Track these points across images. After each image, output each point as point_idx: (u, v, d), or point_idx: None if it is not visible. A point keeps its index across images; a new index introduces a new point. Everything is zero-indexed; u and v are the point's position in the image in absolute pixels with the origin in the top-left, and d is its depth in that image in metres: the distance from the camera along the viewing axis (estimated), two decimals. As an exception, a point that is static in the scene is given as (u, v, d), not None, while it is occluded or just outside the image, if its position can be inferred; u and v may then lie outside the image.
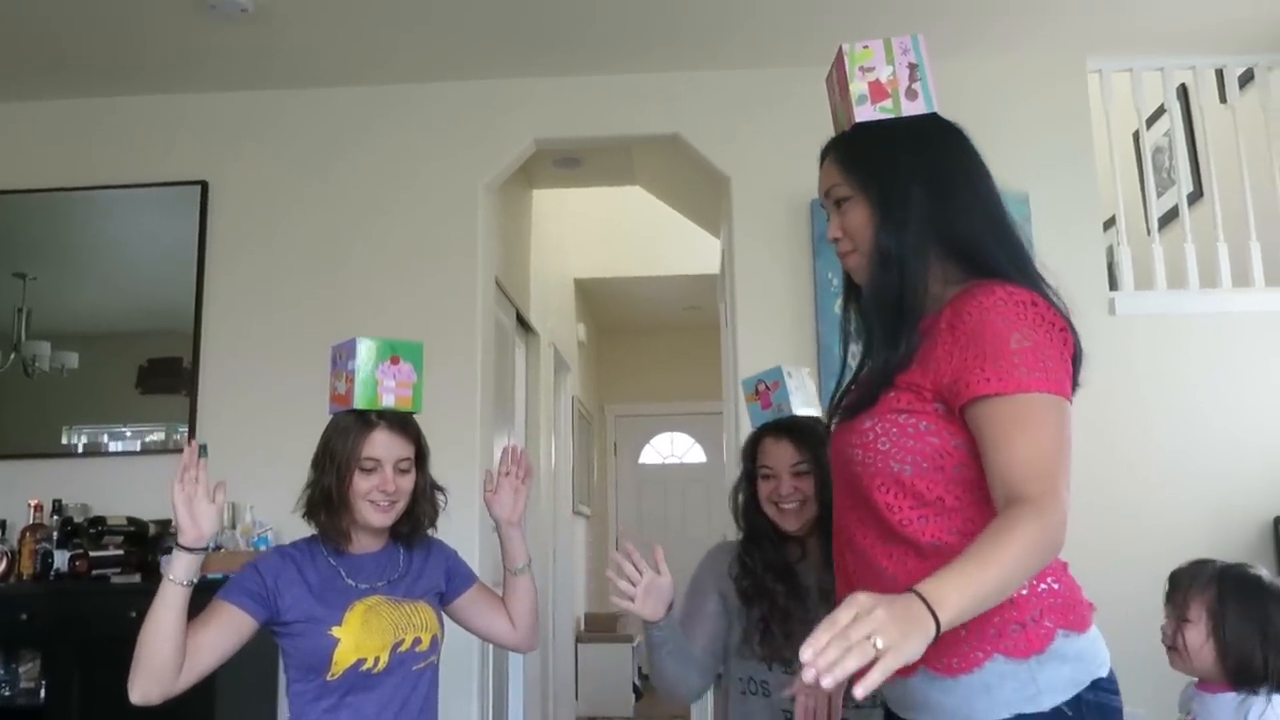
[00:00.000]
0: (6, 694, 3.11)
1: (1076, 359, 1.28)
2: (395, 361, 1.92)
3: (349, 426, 1.88)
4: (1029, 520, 1.11)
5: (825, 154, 1.43)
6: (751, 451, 2.02)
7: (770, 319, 3.56)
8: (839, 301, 3.38)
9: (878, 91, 1.37)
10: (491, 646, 3.60)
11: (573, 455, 6.34)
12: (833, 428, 1.42)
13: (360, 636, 1.82)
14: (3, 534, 3.35)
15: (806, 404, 2.04)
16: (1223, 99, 3.81)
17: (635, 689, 6.48)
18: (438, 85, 3.78)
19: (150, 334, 3.70)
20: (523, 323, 4.84)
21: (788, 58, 3.65)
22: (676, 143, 3.75)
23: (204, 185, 3.73)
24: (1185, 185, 3.91)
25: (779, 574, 1.93)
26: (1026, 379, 1.18)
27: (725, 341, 3.97)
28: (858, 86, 1.38)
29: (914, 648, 0.97)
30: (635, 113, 3.74)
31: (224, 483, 1.77)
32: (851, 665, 0.93)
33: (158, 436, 3.64)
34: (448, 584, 2.03)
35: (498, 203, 4.00)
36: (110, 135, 3.81)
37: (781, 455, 1.94)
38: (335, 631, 1.81)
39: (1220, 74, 3.78)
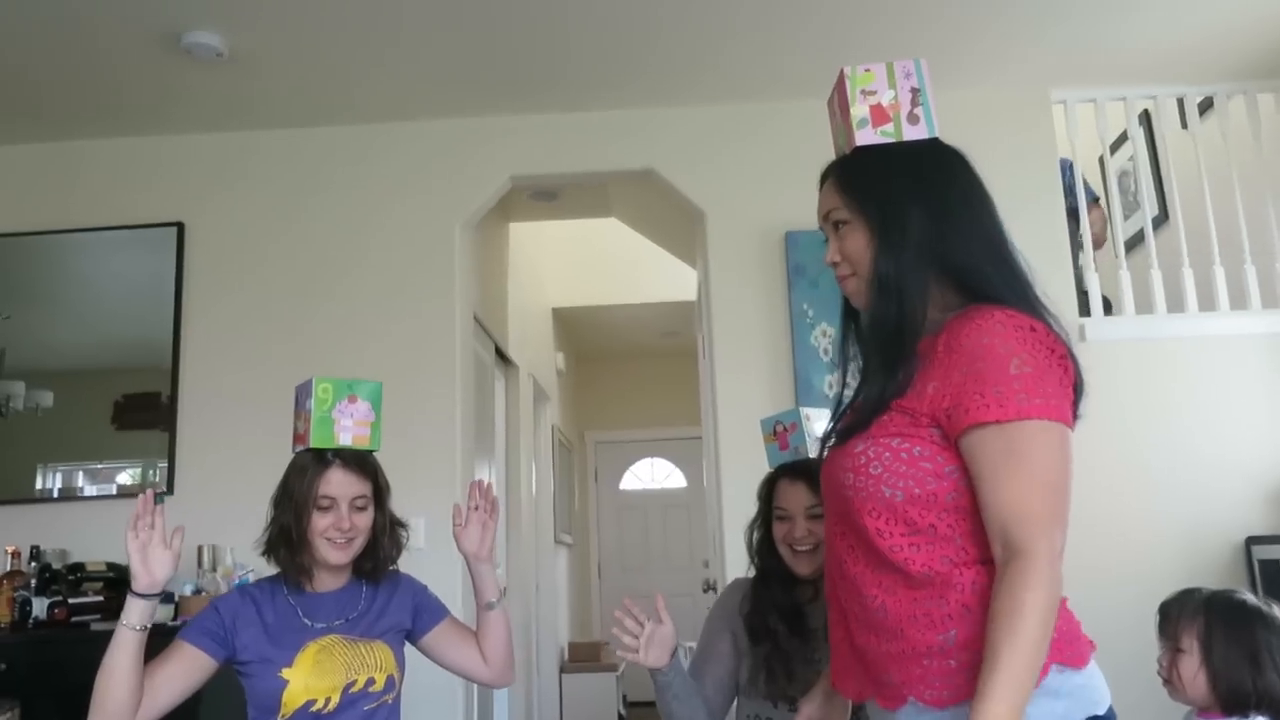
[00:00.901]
0: (-16, 745, 3.08)
1: (1078, 388, 1.26)
2: (353, 400, 1.95)
3: (306, 466, 1.91)
4: (1030, 589, 1.12)
5: (825, 177, 1.41)
6: (768, 492, 2.03)
7: (747, 350, 3.59)
8: (813, 332, 3.38)
9: (879, 115, 1.36)
10: (475, 678, 3.60)
11: (554, 484, 6.34)
12: (825, 453, 1.41)
13: (310, 678, 1.83)
14: (-21, 582, 3.31)
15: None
16: (1184, 125, 3.90)
17: (620, 718, 6.46)
18: (413, 124, 3.81)
19: (126, 370, 3.69)
20: (501, 355, 4.86)
21: (760, 93, 3.71)
22: (651, 177, 3.80)
23: (180, 226, 3.73)
24: (1150, 209, 4.00)
25: (784, 615, 1.96)
26: (1025, 406, 1.16)
27: (703, 371, 4.01)
28: (859, 110, 1.36)
29: None
30: (610, 148, 3.78)
31: (182, 528, 1.79)
32: None
33: (135, 478, 3.63)
34: (415, 620, 2.04)
35: (474, 237, 4.03)
36: (86, 178, 3.81)
37: (797, 498, 1.96)
38: (285, 673, 1.83)
39: (1180, 102, 3.88)
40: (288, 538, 1.89)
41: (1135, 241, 4.16)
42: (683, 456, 8.13)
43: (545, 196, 4.73)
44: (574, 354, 7.79)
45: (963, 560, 1.21)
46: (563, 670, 6.26)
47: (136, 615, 1.74)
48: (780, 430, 2.08)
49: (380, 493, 1.97)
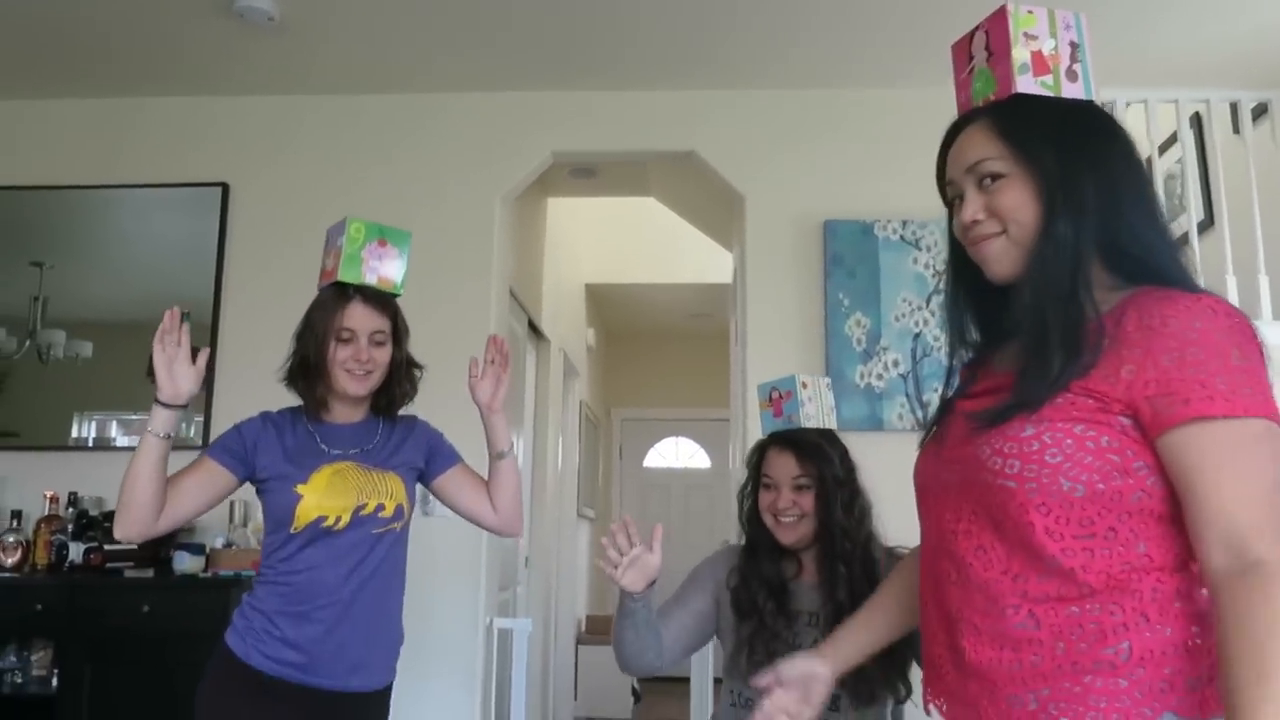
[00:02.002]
0: (19, 681, 3.17)
1: None
2: (383, 244, 2.03)
3: (328, 300, 2.02)
4: (1275, 600, 0.97)
5: (965, 123, 1.25)
6: (757, 460, 2.03)
7: (780, 338, 3.60)
8: (847, 322, 3.31)
9: (1040, 64, 1.21)
10: (495, 641, 3.66)
11: (579, 458, 6.39)
12: (934, 441, 1.26)
13: (323, 496, 1.95)
14: (19, 524, 3.40)
15: (819, 416, 2.05)
16: (1236, 130, 3.84)
17: (634, 692, 6.52)
18: (458, 96, 3.82)
19: (165, 324, 3.76)
20: (534, 328, 4.89)
21: (806, 80, 3.69)
22: (693, 160, 3.80)
23: (225, 187, 3.79)
24: (1196, 213, 3.94)
25: (771, 591, 1.94)
26: (1252, 402, 1.03)
27: (734, 356, 4.01)
28: (1020, 53, 1.20)
29: None
30: (653, 129, 3.79)
31: (207, 349, 1.93)
32: None
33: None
34: (429, 462, 2.14)
35: (513, 211, 4.05)
36: (135, 135, 3.87)
37: (783, 468, 1.95)
38: (300, 489, 1.95)
39: (1234, 107, 3.81)
40: (307, 368, 2.00)
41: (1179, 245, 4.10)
42: (707, 437, 8.16)
43: (585, 173, 4.74)
44: (605, 330, 7.81)
45: (1144, 566, 1.07)
46: (579, 642, 6.33)
47: (160, 423, 1.86)
48: (775, 397, 2.06)
49: (398, 332, 2.07)
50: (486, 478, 2.19)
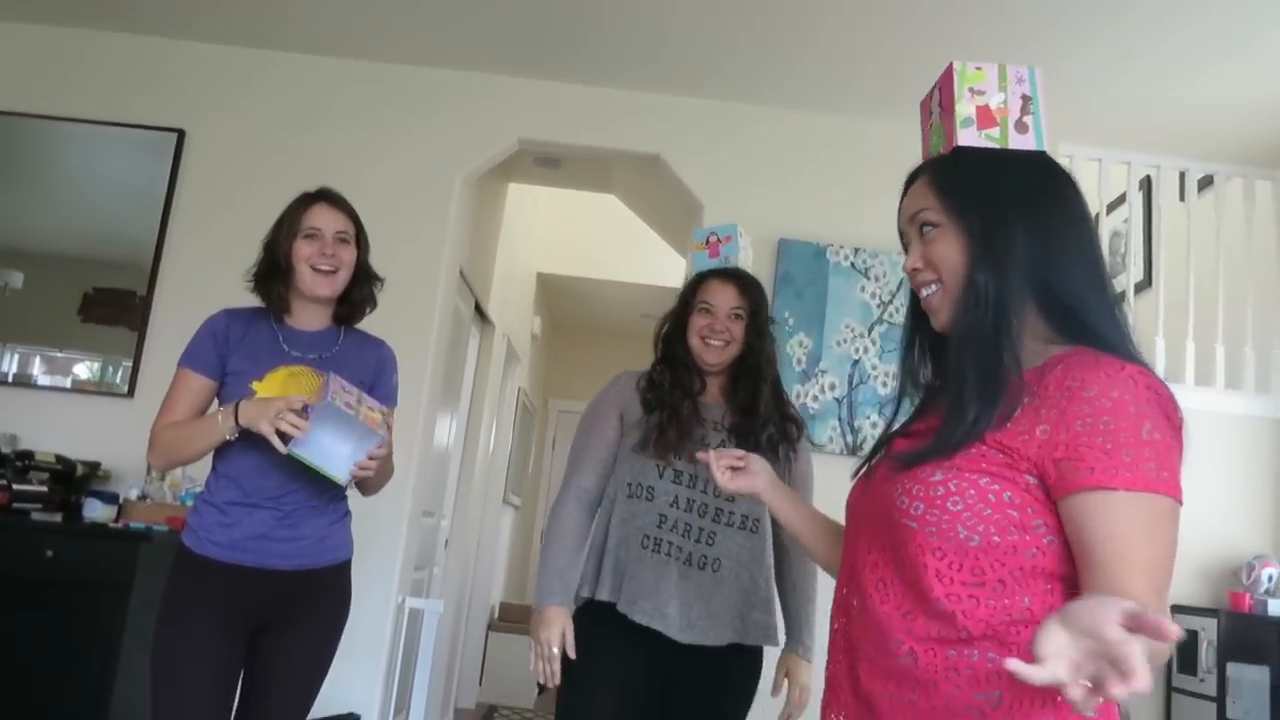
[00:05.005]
0: (-93, 617, 3.06)
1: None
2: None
3: (296, 203, 2.13)
4: None
5: (915, 176, 1.28)
6: (694, 288, 2.18)
7: (723, 348, 3.62)
8: (790, 341, 3.38)
9: (985, 117, 1.24)
10: (405, 620, 3.64)
11: (511, 445, 6.37)
12: (864, 474, 1.29)
13: (276, 394, 2.00)
14: (-75, 453, 3.29)
15: (749, 266, 2.23)
16: (1181, 198, 3.97)
17: (539, 683, 6.51)
18: (431, 71, 3.79)
19: (103, 263, 3.67)
20: (480, 312, 4.87)
21: (780, 99, 3.74)
22: (657, 163, 3.81)
23: (181, 133, 3.70)
24: (1135, 273, 4.06)
25: (685, 392, 2.10)
26: (1155, 479, 1.04)
27: (676, 361, 4.03)
28: (964, 108, 1.24)
29: None
30: (622, 128, 3.79)
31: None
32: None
33: (94, 373, 3.61)
34: (374, 382, 2.17)
35: (472, 191, 4.02)
36: (93, 69, 3.76)
37: (724, 296, 2.12)
38: (254, 385, 2.03)
39: (1182, 175, 3.94)
40: (276, 266, 2.08)
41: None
42: (642, 438, 8.16)
43: (549, 164, 4.72)
44: (552, 320, 7.79)
45: (1024, 619, 1.09)
46: (490, 628, 6.31)
47: (232, 430, 1.96)
48: (713, 240, 2.21)
49: (360, 234, 2.16)
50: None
